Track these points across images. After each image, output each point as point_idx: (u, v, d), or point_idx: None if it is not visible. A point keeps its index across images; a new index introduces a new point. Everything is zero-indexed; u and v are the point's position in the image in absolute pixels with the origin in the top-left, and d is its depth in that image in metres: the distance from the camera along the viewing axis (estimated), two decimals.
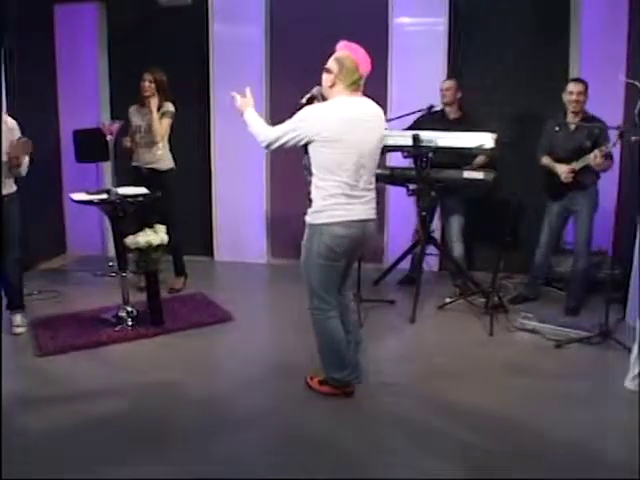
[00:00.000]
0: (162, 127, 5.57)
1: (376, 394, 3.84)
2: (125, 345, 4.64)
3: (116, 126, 4.75)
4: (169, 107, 5.62)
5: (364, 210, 3.52)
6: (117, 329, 4.85)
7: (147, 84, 5.51)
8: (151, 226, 4.90)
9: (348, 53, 3.47)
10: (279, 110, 6.40)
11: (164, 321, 4.92)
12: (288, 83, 6.34)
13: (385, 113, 6.05)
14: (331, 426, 3.49)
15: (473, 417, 3.56)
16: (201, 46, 6.51)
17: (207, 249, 6.91)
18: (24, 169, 4.70)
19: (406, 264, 5.93)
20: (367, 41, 6.27)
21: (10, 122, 4.66)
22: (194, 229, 6.75)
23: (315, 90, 3.74)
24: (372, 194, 3.59)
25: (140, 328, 4.86)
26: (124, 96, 6.07)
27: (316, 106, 3.51)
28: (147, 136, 5.61)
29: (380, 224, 6.55)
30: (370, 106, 3.56)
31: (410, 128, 5.42)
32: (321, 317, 3.65)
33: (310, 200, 3.52)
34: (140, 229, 4.85)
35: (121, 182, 5.23)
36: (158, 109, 5.54)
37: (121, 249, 4.90)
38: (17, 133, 4.66)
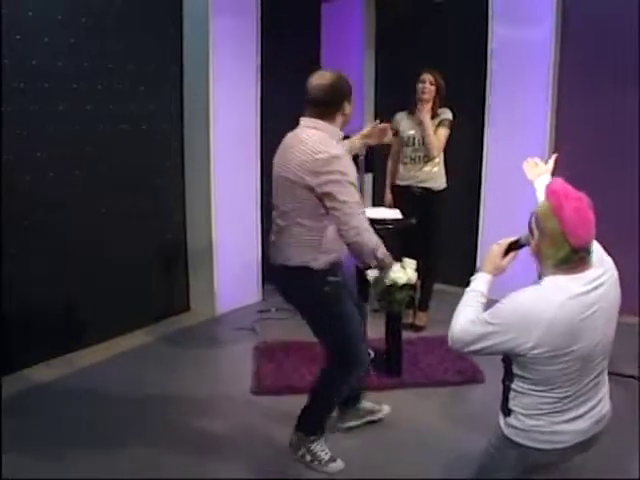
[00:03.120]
0: (439, 139, 4.82)
1: None
2: None
3: None
4: (447, 114, 4.84)
5: (591, 424, 2.24)
6: None
7: (427, 85, 4.75)
8: (399, 259, 4.17)
9: (552, 207, 2.10)
10: (569, 129, 5.40)
11: (402, 372, 4.20)
12: (582, 96, 5.28)
13: None
14: None
15: None
16: (479, 48, 5.66)
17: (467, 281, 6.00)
18: None
19: None
20: None
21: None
22: (455, 257, 5.90)
23: (524, 236, 2.38)
24: (604, 388, 2.31)
25: (373, 376, 4.17)
26: (390, 101, 5.45)
27: (526, 297, 2.15)
28: (421, 149, 4.89)
29: None
30: (600, 277, 2.16)
31: None
32: None
33: (507, 407, 2.30)
34: None
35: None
36: (433, 117, 4.81)
37: (362, 281, 4.23)
38: None
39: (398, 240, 4.82)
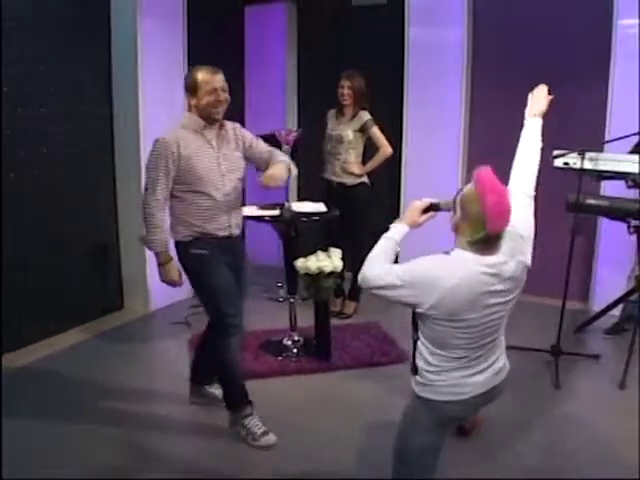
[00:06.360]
0: (377, 137, 5.16)
1: None
2: (282, 380, 4.22)
3: (293, 135, 4.26)
4: (366, 116, 5.15)
5: (490, 376, 2.54)
6: (280, 359, 4.45)
7: (345, 91, 5.09)
8: (325, 249, 4.42)
9: (477, 194, 2.32)
10: (479, 126, 5.79)
11: (331, 356, 4.43)
12: (492, 95, 5.65)
13: (604, 132, 5.34)
14: None
15: None
16: (396, 49, 5.94)
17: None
18: None
19: (616, 309, 5.01)
20: (586, 45, 5.64)
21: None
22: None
23: (443, 202, 2.67)
24: (499, 349, 2.58)
25: (304, 361, 4.42)
26: (312, 101, 5.66)
27: (436, 263, 2.41)
28: (336, 146, 5.19)
29: (587, 258, 5.78)
30: (500, 265, 2.37)
31: (635, 151, 4.48)
32: None
33: (414, 365, 2.56)
34: (313, 251, 4.39)
35: (310, 195, 4.80)
36: (352, 118, 5.14)
37: (290, 271, 4.45)
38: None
39: (324, 231, 5.11)
